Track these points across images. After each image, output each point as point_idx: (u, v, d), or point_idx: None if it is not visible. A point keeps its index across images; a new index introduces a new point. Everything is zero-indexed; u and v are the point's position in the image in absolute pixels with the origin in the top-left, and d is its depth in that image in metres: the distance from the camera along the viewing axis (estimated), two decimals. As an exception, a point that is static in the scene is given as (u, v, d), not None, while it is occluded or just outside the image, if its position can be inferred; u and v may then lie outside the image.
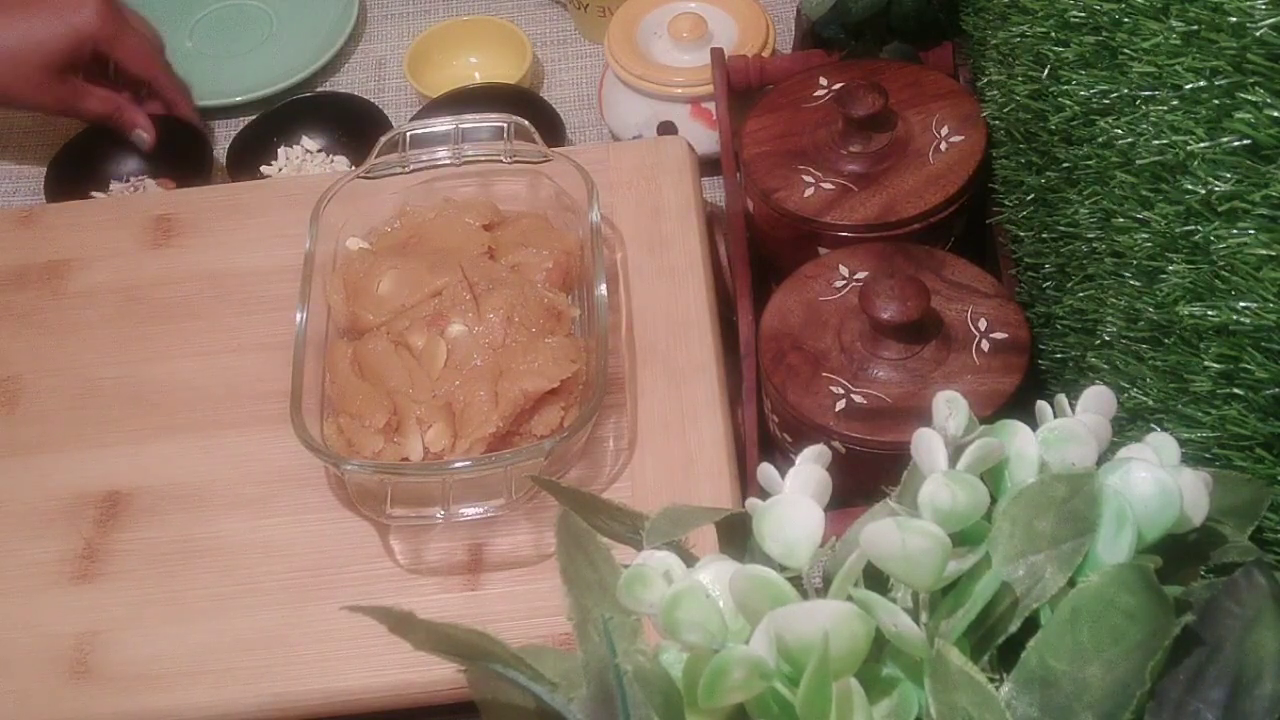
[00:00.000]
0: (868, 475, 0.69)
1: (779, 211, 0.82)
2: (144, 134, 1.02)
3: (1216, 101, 0.50)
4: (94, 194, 1.01)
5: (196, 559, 0.75)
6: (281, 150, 1.04)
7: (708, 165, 0.95)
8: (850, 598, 0.43)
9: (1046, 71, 0.68)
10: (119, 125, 1.02)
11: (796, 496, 0.47)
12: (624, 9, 1.01)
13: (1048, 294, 0.73)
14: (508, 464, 0.72)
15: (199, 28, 1.16)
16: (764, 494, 0.48)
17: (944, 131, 0.83)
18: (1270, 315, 0.49)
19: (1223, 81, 0.50)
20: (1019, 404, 0.71)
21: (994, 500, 0.46)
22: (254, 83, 1.09)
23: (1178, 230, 0.54)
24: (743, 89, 0.92)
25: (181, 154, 1.03)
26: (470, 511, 0.73)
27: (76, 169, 1.03)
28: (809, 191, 0.81)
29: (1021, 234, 0.77)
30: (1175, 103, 0.53)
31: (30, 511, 0.78)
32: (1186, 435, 0.55)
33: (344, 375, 0.77)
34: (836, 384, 0.73)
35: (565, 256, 0.81)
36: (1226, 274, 0.51)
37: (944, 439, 0.47)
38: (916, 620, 0.44)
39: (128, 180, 1.03)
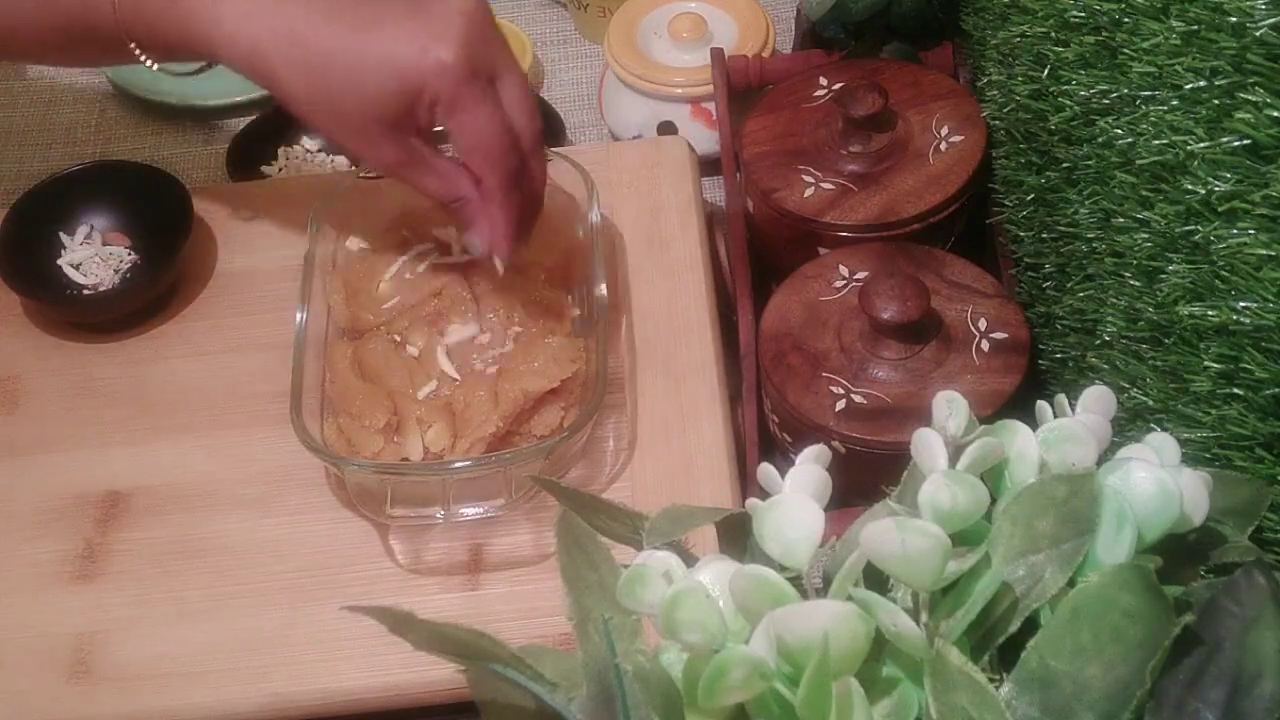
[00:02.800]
0: (868, 475, 0.69)
1: (779, 211, 0.82)
2: (476, 242, 0.75)
3: (1216, 101, 0.50)
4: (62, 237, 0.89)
5: (197, 559, 0.75)
6: (281, 150, 1.04)
7: (708, 165, 0.94)
8: (850, 598, 0.43)
9: (1046, 71, 0.68)
10: (456, 217, 0.77)
11: (796, 496, 0.47)
12: (624, 9, 1.01)
13: (1048, 294, 0.73)
14: (508, 464, 0.72)
15: (199, 28, 1.15)
16: (764, 494, 0.48)
17: (944, 131, 0.83)
18: (1270, 315, 0.49)
19: (1223, 81, 0.50)
20: (1019, 404, 0.71)
21: (994, 500, 0.46)
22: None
23: (1178, 230, 0.54)
24: (743, 89, 0.92)
25: (162, 213, 0.88)
26: (470, 511, 0.73)
27: (24, 237, 0.88)
28: (809, 191, 0.81)
29: (1021, 234, 0.77)
30: (1175, 103, 0.54)
31: (30, 511, 0.78)
32: (1186, 435, 0.55)
33: (344, 375, 0.77)
34: (836, 384, 0.73)
35: (565, 256, 0.81)
36: (1226, 274, 0.51)
37: (944, 439, 0.47)
38: (916, 620, 0.44)
39: (89, 235, 0.90)
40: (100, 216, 0.90)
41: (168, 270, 0.86)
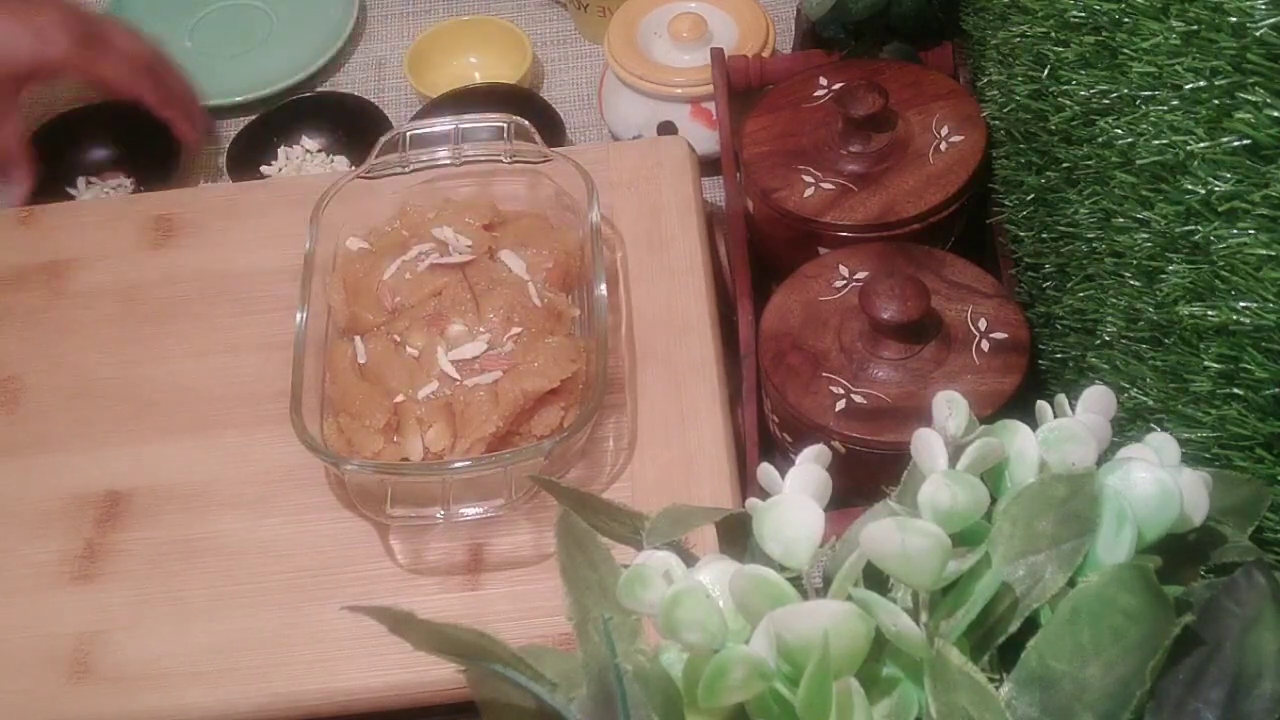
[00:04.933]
0: (868, 475, 0.69)
1: (779, 211, 0.82)
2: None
3: (1216, 101, 0.50)
4: (68, 189, 1.02)
5: (196, 559, 0.75)
6: (281, 150, 1.04)
7: (708, 165, 0.94)
8: (850, 598, 0.43)
9: (1046, 71, 0.68)
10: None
11: (796, 496, 0.47)
12: (624, 9, 1.01)
13: (1048, 294, 0.73)
14: (508, 464, 0.72)
15: (199, 28, 1.16)
16: (764, 494, 0.48)
17: (944, 131, 0.83)
18: (1270, 315, 0.49)
19: (1223, 81, 0.50)
20: (1019, 404, 0.71)
21: (994, 500, 0.46)
22: (254, 83, 1.09)
23: (1178, 230, 0.54)
24: (743, 89, 0.92)
25: (148, 148, 1.03)
26: (470, 511, 0.73)
27: (44, 160, 1.02)
28: (809, 191, 0.81)
29: (1021, 234, 0.77)
30: (1175, 103, 0.54)
31: (30, 511, 0.78)
32: (1186, 435, 0.55)
33: (344, 375, 0.77)
34: (836, 384, 0.73)
35: (565, 256, 0.81)
36: (1226, 274, 0.51)
37: (944, 439, 0.47)
38: (916, 620, 0.44)
39: (101, 177, 1.04)
40: (93, 160, 1.05)
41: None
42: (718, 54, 0.92)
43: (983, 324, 0.74)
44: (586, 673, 0.46)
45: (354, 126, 1.04)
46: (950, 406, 0.49)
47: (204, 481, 0.78)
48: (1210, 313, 0.52)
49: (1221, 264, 0.51)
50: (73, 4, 0.97)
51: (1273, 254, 0.48)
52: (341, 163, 1.03)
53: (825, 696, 0.42)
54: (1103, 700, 0.42)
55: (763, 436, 0.79)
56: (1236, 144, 0.49)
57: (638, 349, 0.81)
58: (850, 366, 0.74)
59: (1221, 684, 0.42)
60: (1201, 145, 0.51)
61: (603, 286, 0.77)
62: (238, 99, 1.07)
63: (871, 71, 0.87)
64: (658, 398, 0.78)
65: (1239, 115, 0.49)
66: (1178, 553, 0.46)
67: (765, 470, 0.50)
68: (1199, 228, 0.53)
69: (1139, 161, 0.57)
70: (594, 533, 0.49)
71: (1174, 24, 0.53)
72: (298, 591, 0.73)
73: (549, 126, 0.99)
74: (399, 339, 0.78)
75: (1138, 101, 0.57)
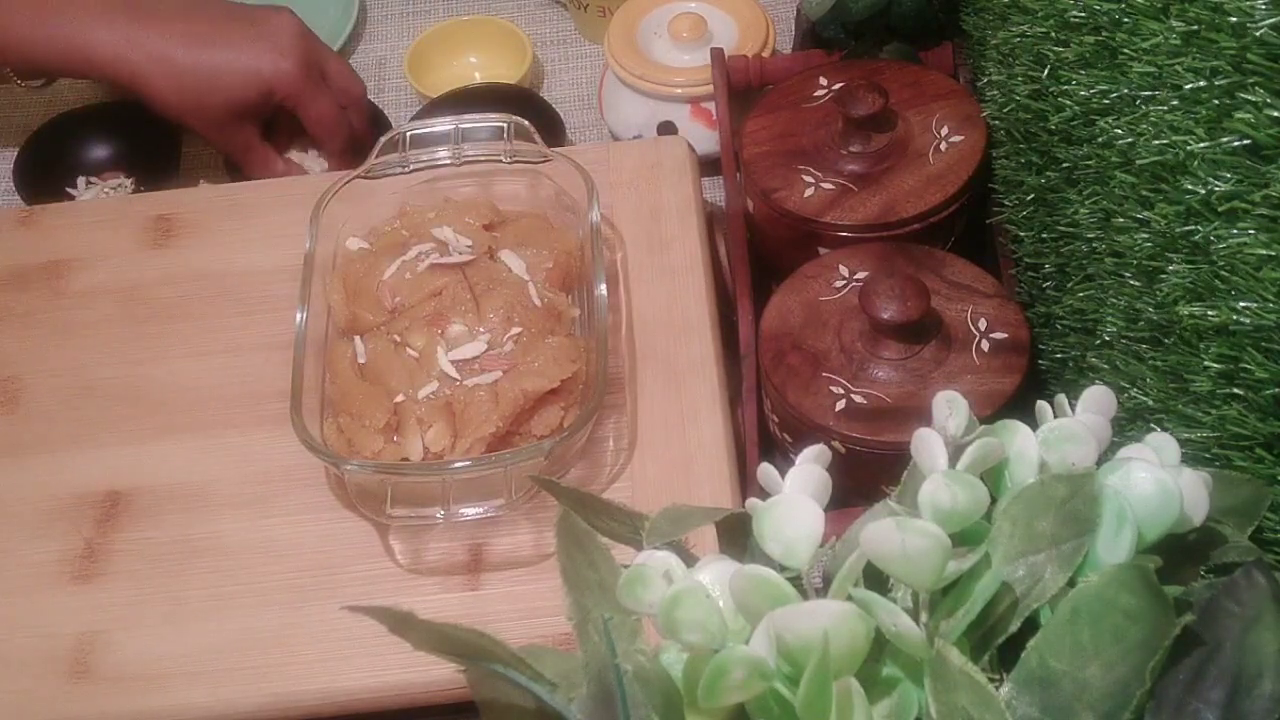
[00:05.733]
0: (868, 475, 0.69)
1: (779, 211, 0.82)
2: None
3: (1216, 101, 0.50)
4: (68, 190, 1.02)
5: (196, 559, 0.75)
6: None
7: (708, 165, 0.94)
8: (850, 598, 0.43)
9: (1046, 71, 0.68)
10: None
11: (796, 496, 0.47)
12: (624, 9, 1.01)
13: (1048, 294, 0.73)
14: (508, 464, 0.72)
15: (199, 28, 1.16)
16: (764, 494, 0.48)
17: (944, 131, 0.83)
18: (1270, 315, 0.49)
19: (1223, 81, 0.50)
20: (1019, 404, 0.71)
21: (994, 500, 0.46)
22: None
23: (1178, 230, 0.54)
24: (743, 89, 0.92)
25: (148, 148, 1.04)
26: (470, 511, 0.73)
27: (44, 160, 1.04)
28: (809, 191, 0.81)
29: (1021, 234, 0.77)
30: (1175, 103, 0.53)
31: (30, 511, 0.78)
32: (1186, 435, 0.55)
33: (344, 375, 0.77)
34: (836, 384, 0.73)
35: (565, 256, 0.81)
36: (1226, 274, 0.51)
37: (944, 439, 0.47)
38: (916, 620, 0.44)
39: (101, 177, 1.03)
40: (93, 160, 1.05)
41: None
42: (718, 54, 0.92)
43: (983, 324, 0.74)
44: (586, 673, 0.46)
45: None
46: (950, 406, 0.49)
47: (204, 481, 0.78)
48: (1210, 313, 0.52)
49: (1221, 264, 0.51)
50: (301, 26, 0.97)
51: (1273, 254, 0.48)
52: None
53: (825, 696, 0.42)
54: (1103, 700, 0.42)
55: (763, 436, 0.79)
56: (1236, 144, 0.49)
57: (638, 349, 0.81)
58: (850, 366, 0.74)
59: (1221, 684, 0.42)
60: (1201, 145, 0.51)
61: (603, 286, 0.77)
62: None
63: (871, 71, 0.87)
64: (658, 398, 0.78)
65: (1239, 115, 0.49)
66: (1178, 553, 0.46)
67: (765, 470, 0.50)
68: (1199, 228, 0.53)
69: (1139, 161, 0.57)
70: (594, 533, 0.49)
71: (1174, 24, 0.53)
72: (298, 591, 0.73)
73: (549, 126, 0.99)
74: (399, 339, 0.78)
75: (1138, 101, 0.57)
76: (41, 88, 1.04)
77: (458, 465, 0.72)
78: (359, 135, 1.00)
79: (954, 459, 0.46)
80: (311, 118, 0.97)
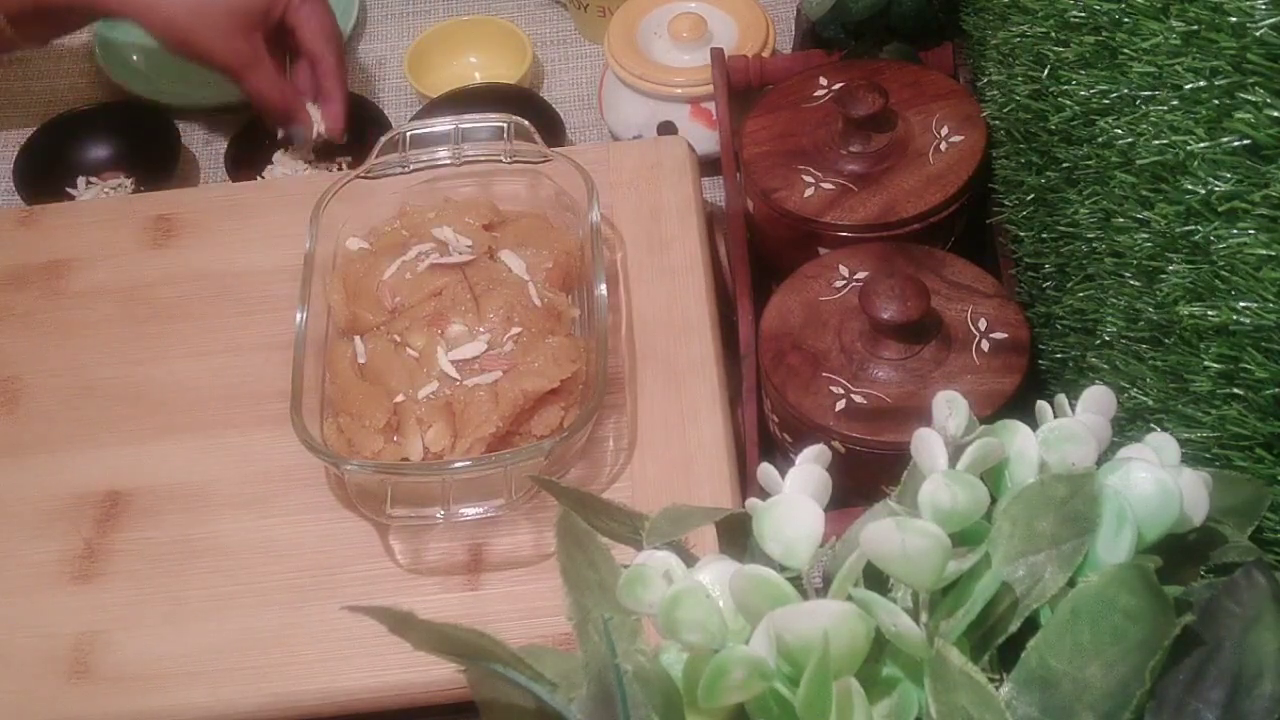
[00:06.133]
0: (868, 475, 0.69)
1: (779, 211, 0.82)
2: (302, 130, 0.98)
3: (1216, 101, 0.50)
4: (68, 189, 1.02)
5: (196, 559, 0.75)
6: (280, 150, 1.04)
7: (708, 165, 0.94)
8: (850, 598, 0.43)
9: (1046, 71, 0.68)
10: (281, 117, 0.98)
11: (796, 496, 0.47)
12: (624, 9, 1.01)
13: (1048, 294, 0.73)
14: (508, 464, 0.72)
15: (199, 28, 1.16)
16: (764, 494, 0.48)
17: (944, 131, 0.83)
18: (1270, 315, 0.49)
19: (1223, 81, 0.50)
20: (1019, 404, 0.71)
21: (994, 500, 0.46)
22: (254, 83, 1.08)
23: (1178, 230, 0.54)
24: (743, 89, 0.92)
25: (148, 148, 1.04)
26: (470, 511, 0.73)
27: (44, 160, 1.04)
28: (809, 191, 0.81)
29: (1021, 234, 0.77)
30: (1175, 103, 0.54)
31: (30, 511, 0.78)
32: (1186, 435, 0.55)
33: (344, 375, 0.77)
34: (836, 384, 0.73)
35: (565, 256, 0.81)
36: (1226, 274, 0.51)
37: (944, 439, 0.47)
38: (916, 620, 0.44)
39: (101, 177, 1.03)
40: (93, 160, 1.05)
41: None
42: (718, 54, 0.92)
43: (983, 324, 0.74)
44: (586, 673, 0.46)
45: (354, 126, 1.04)
46: (950, 406, 0.49)
47: (204, 481, 0.78)
48: (1210, 313, 0.52)
49: (1221, 264, 0.51)
50: None
51: (1273, 254, 0.48)
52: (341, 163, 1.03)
53: (825, 696, 0.42)
54: (1103, 700, 0.42)
55: (763, 436, 0.79)
56: (1236, 144, 0.49)
57: (638, 349, 0.81)
58: (850, 366, 0.74)
59: (1221, 684, 0.42)
60: (1201, 145, 0.51)
61: (603, 286, 0.77)
62: (238, 99, 1.07)
63: (871, 71, 0.87)
64: (658, 398, 0.78)
65: (1239, 115, 0.49)
66: (1178, 553, 0.46)
67: (765, 470, 0.50)
68: (1199, 228, 0.53)
69: (1139, 161, 0.57)
70: (594, 533, 0.49)
71: (1174, 24, 0.53)
72: (298, 591, 0.73)
73: (549, 126, 0.99)
74: (399, 339, 0.78)
75: (1138, 101, 0.57)
76: (40, 44, 1.01)
77: (458, 465, 0.72)
78: (330, 76, 0.98)
79: (954, 459, 0.46)
80: (312, 22, 0.95)
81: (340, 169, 1.02)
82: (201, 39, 0.92)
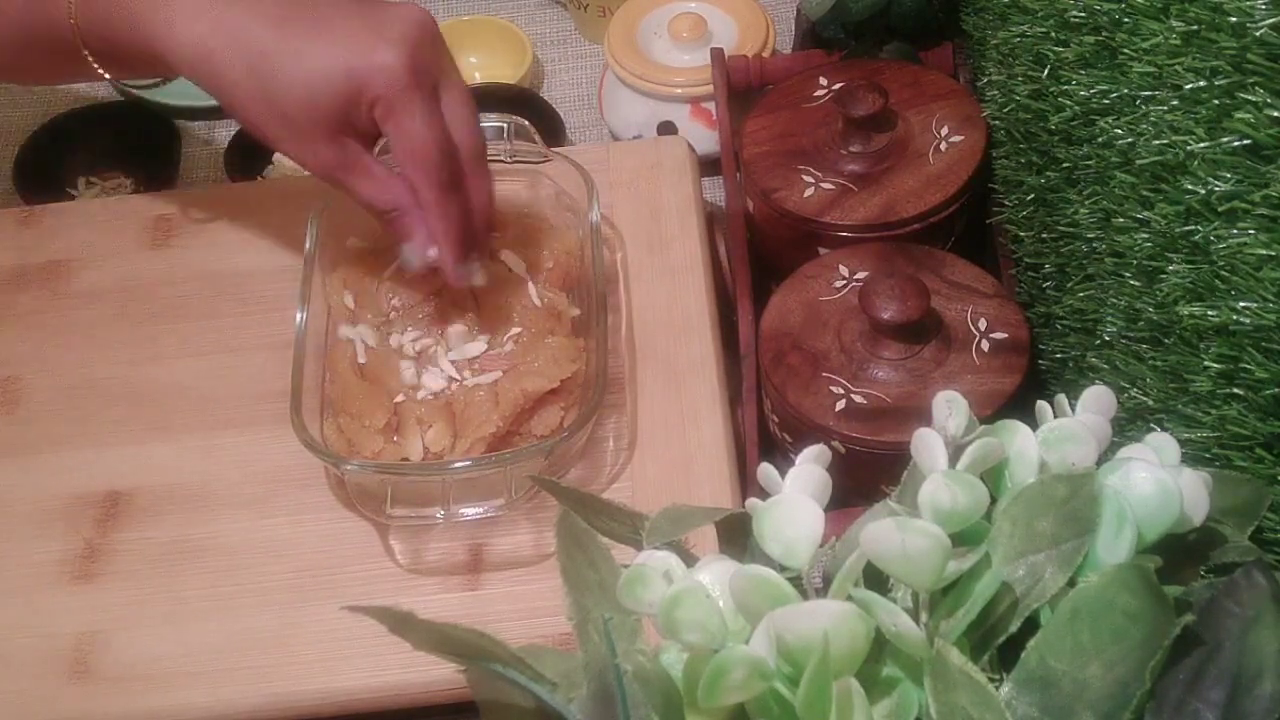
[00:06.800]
0: (868, 475, 0.69)
1: (779, 211, 0.82)
2: (412, 258, 0.76)
3: (1216, 101, 0.50)
4: (68, 189, 1.02)
5: (196, 559, 0.75)
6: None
7: (708, 165, 0.94)
8: (850, 598, 0.43)
9: (1046, 71, 0.68)
10: (390, 226, 0.76)
11: (796, 496, 0.47)
12: (624, 9, 1.01)
13: (1048, 294, 0.73)
14: (508, 464, 0.72)
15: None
16: (764, 494, 0.48)
17: (944, 131, 0.83)
18: (1270, 315, 0.49)
19: (1223, 81, 0.50)
20: (1019, 404, 0.71)
21: (994, 500, 0.46)
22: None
23: (1178, 230, 0.54)
24: (743, 89, 0.92)
25: (148, 148, 1.03)
26: (470, 511, 0.73)
27: (44, 160, 1.03)
28: (809, 191, 0.81)
29: (1021, 234, 0.77)
30: (1175, 103, 0.53)
31: (30, 511, 0.78)
32: (1186, 435, 0.55)
33: (344, 375, 0.77)
34: (836, 384, 0.73)
35: (565, 256, 0.81)
36: (1226, 274, 0.51)
37: (944, 439, 0.47)
38: (916, 620, 0.44)
39: (101, 177, 1.03)
40: (93, 160, 1.04)
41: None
42: (718, 54, 0.92)
43: (983, 324, 0.74)
44: (586, 673, 0.46)
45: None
46: (950, 406, 0.49)
47: (204, 481, 0.78)
48: (1210, 313, 0.52)
49: (1221, 264, 0.51)
50: (426, 18, 0.72)
51: (1273, 254, 0.48)
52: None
53: (825, 696, 0.42)
54: (1103, 700, 0.42)
55: (763, 436, 0.79)
56: (1236, 144, 0.49)
57: (638, 349, 0.81)
58: (850, 366, 0.74)
59: (1221, 684, 0.42)
60: (1201, 145, 0.51)
61: (603, 286, 0.77)
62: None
63: (871, 71, 0.87)
64: (658, 398, 0.78)
65: (1239, 115, 0.49)
66: (1178, 553, 0.46)
67: (765, 470, 0.50)
68: (1199, 228, 0.53)
69: (1139, 161, 0.57)
70: (594, 533, 0.49)
71: (1174, 24, 0.53)
72: (298, 591, 0.73)
73: (549, 126, 0.99)
74: (399, 339, 0.78)
75: (1138, 101, 0.57)
76: (153, 88, 0.92)
77: (458, 465, 0.72)
78: (464, 185, 0.74)
79: (954, 459, 0.46)
80: (402, 134, 0.71)
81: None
82: (277, 137, 0.74)
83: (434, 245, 0.74)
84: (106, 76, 0.80)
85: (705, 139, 0.96)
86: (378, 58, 0.70)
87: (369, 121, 0.72)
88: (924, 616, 0.45)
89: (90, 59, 0.78)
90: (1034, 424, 0.48)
